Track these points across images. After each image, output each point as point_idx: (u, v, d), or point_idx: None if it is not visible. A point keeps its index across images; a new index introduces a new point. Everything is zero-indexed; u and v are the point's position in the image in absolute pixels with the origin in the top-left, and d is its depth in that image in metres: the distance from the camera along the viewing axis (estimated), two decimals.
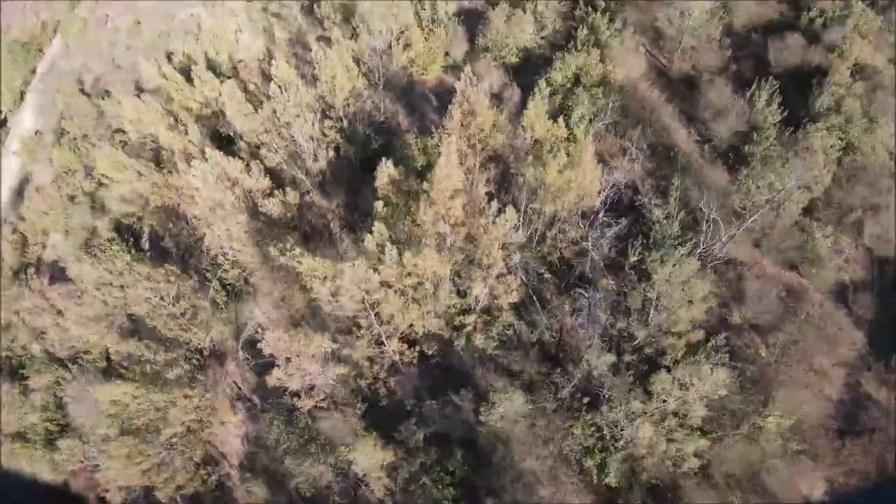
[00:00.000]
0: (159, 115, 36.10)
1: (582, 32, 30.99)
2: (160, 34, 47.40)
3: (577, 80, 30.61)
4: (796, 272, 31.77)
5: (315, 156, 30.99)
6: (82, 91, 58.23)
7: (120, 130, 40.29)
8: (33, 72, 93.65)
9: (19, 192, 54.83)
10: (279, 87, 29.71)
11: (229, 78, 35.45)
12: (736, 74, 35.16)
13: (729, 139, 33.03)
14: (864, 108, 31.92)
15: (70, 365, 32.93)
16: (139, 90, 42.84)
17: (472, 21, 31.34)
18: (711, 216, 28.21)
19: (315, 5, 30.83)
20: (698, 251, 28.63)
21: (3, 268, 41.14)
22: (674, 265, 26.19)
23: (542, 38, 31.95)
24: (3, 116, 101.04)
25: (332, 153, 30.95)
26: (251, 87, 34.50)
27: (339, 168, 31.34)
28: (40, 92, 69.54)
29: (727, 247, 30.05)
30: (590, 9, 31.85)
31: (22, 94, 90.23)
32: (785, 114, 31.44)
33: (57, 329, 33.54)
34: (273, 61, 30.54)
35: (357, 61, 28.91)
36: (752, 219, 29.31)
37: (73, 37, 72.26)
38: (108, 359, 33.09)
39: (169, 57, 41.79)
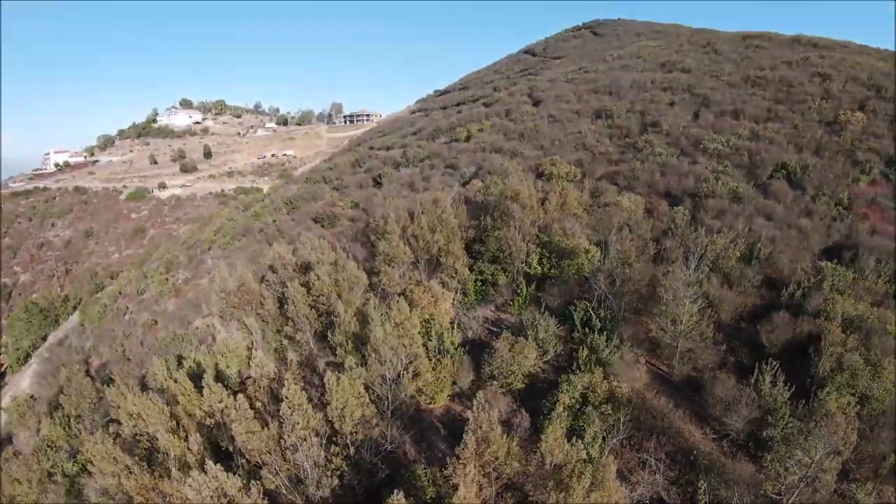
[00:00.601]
0: (162, 417, 35.46)
1: (583, 353, 32.29)
2: (174, 337, 49.14)
3: (584, 399, 30.90)
4: None
5: (318, 483, 29.64)
6: (87, 372, 58.72)
7: (116, 421, 39.49)
8: (44, 338, 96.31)
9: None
10: (289, 408, 29.67)
11: (237, 392, 35.63)
12: (735, 365, 35.44)
13: (745, 429, 32.02)
14: (863, 357, 31.66)
15: None
16: (143, 386, 42.92)
17: (477, 350, 32.61)
18: None
19: (328, 332, 32.33)
20: None
21: None
22: None
23: (545, 362, 33.05)
24: (3, 367, 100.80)
25: (335, 481, 29.62)
26: (258, 404, 34.43)
27: (342, 497, 29.77)
28: (46, 360, 70.42)
29: None
30: (587, 330, 33.71)
31: (27, 355, 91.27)
32: (792, 389, 31.00)
33: None
34: (285, 382, 30.90)
35: (367, 388, 29.32)
36: (790, 502, 27.01)
37: (90, 319, 75.68)
38: None
39: (180, 360, 42.67)
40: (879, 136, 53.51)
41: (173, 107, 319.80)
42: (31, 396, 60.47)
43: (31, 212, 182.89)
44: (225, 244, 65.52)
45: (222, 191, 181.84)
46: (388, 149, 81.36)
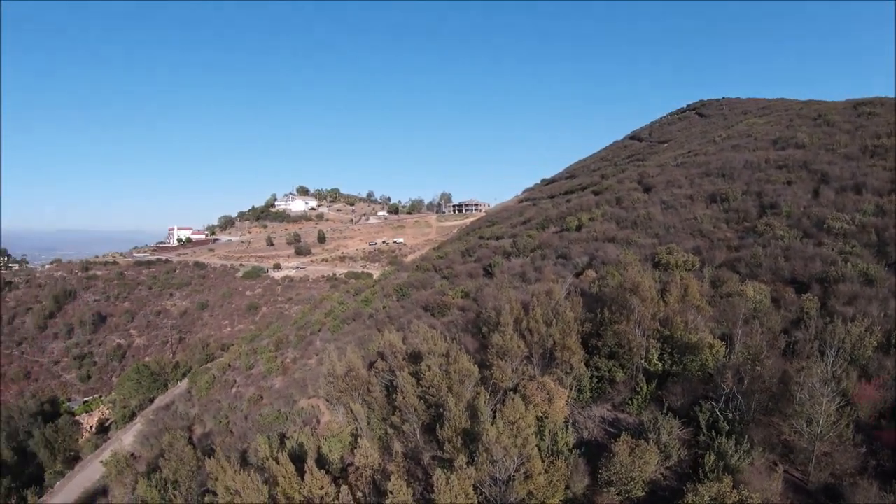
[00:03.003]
0: (259, 497, 35.00)
1: (709, 459, 29.36)
2: (279, 415, 49.83)
3: None
4: None
5: None
6: (189, 439, 60.18)
7: (212, 492, 39.53)
8: (151, 400, 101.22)
9: (92, 499, 56.01)
10: None
11: (338, 478, 35.25)
12: (877, 469, 31.03)
13: None
14: None
15: None
16: (244, 461, 43.04)
17: (593, 452, 30.59)
18: None
19: (437, 425, 31.58)
20: None
21: None
22: None
23: (667, 468, 30.43)
24: (109, 422, 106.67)
25: None
26: (359, 494, 33.74)
27: None
28: (150, 422, 73.25)
29: None
30: (713, 433, 30.90)
31: (133, 414, 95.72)
32: None
33: None
34: (391, 476, 30.20)
35: (475, 489, 28.07)
36: None
37: (198, 388, 78.93)
38: None
39: (282, 439, 43.03)
40: None
41: (291, 193, 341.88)
42: (132, 454, 62.49)
43: (152, 281, 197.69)
44: (334, 327, 67.18)
45: (334, 274, 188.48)
46: (497, 238, 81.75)
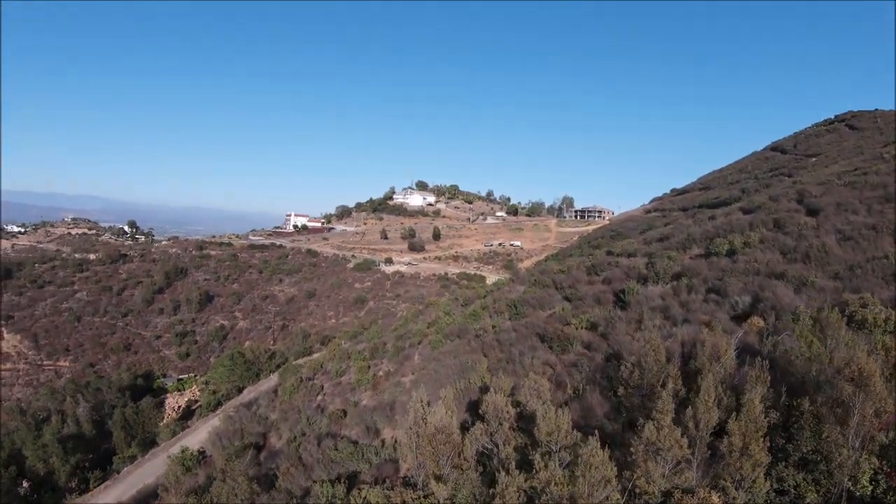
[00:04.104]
0: None
1: None
2: (354, 451, 42.90)
3: None
4: None
5: None
6: (259, 451, 54.88)
7: None
8: (240, 390, 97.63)
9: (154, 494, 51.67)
10: None
11: None
12: None
13: None
14: None
15: None
16: (306, 490, 36.80)
17: None
18: None
19: None
20: None
21: None
22: None
23: None
24: (196, 405, 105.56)
25: None
26: None
27: None
28: (229, 419, 68.50)
29: None
30: None
31: (220, 403, 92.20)
32: None
33: None
34: None
35: None
36: None
37: (284, 388, 74.39)
38: None
39: (350, 487, 35.64)
40: None
41: (409, 187, 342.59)
42: (202, 452, 58.75)
43: (263, 265, 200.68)
44: (435, 342, 59.25)
45: (446, 274, 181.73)
46: (629, 255, 70.22)
